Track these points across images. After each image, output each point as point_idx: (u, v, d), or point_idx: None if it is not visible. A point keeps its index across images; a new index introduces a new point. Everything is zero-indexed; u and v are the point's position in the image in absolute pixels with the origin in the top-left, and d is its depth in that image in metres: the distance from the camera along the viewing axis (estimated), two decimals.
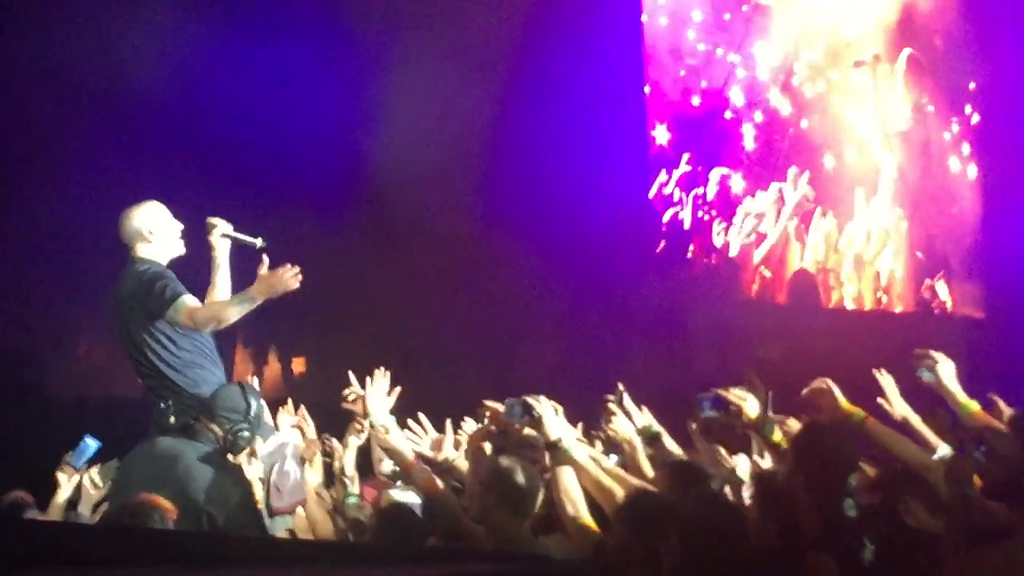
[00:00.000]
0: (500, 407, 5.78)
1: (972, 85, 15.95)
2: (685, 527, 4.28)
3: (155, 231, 6.35)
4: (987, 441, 4.98)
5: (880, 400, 5.77)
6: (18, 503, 6.71)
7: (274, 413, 6.78)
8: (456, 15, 12.55)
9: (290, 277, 6.05)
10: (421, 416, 6.25)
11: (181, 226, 6.50)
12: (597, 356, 12.15)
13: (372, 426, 6.02)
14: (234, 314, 6.09)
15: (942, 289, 15.39)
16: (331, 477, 6.92)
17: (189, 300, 6.12)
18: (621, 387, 6.16)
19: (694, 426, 6.53)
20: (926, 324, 14.70)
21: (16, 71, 11.04)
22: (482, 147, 12.35)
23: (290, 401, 7.12)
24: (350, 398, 6.27)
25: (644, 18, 13.71)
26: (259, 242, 6.48)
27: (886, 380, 5.89)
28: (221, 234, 6.53)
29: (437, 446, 6.02)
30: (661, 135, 13.59)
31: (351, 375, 6.31)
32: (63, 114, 11.44)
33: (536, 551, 4.89)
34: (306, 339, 13.05)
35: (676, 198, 13.63)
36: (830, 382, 5.25)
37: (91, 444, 6.54)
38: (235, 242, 6.58)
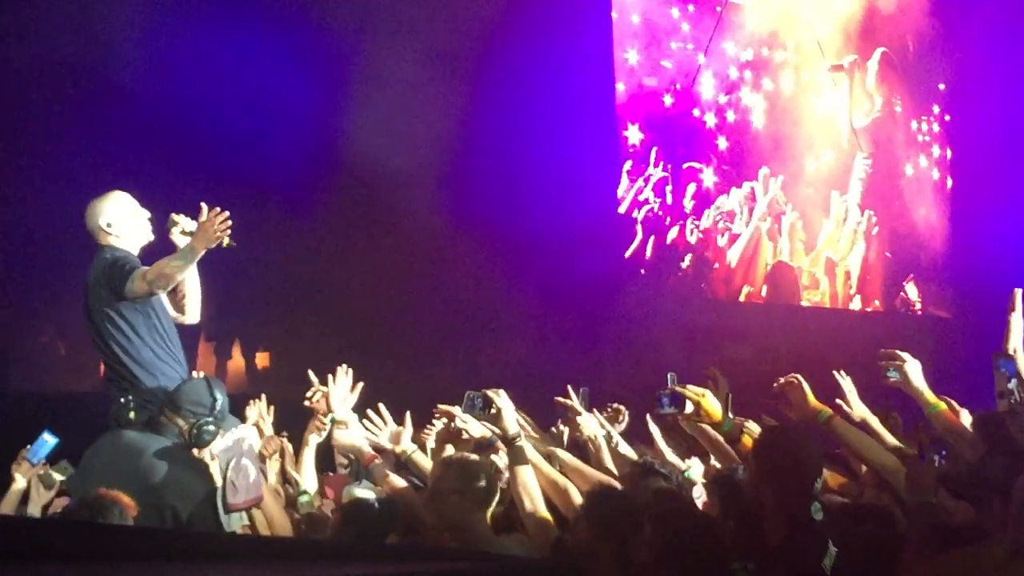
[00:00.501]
0: (455, 409, 5.78)
1: (942, 86, 16.04)
2: (657, 521, 4.26)
3: (114, 223, 6.32)
4: (949, 446, 4.98)
5: (839, 401, 5.79)
6: None
7: (241, 408, 6.73)
8: (428, 11, 12.51)
9: (220, 221, 6.01)
10: (381, 407, 6.19)
11: (147, 214, 6.43)
12: (565, 353, 12.12)
13: (333, 421, 5.97)
14: (178, 268, 6.10)
15: (912, 290, 15.47)
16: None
17: (137, 276, 6.10)
18: (570, 389, 6.15)
19: (651, 422, 6.58)
20: (895, 323, 14.76)
21: None
22: (452, 143, 12.30)
23: (263, 397, 7.05)
24: (314, 397, 6.22)
25: (614, 15, 13.68)
26: (226, 240, 6.40)
27: (845, 382, 5.93)
28: (181, 231, 6.44)
29: (396, 438, 5.97)
30: (633, 135, 13.56)
31: (311, 374, 6.26)
32: (26, 102, 11.32)
33: (496, 550, 4.86)
34: (270, 333, 12.97)
35: (646, 197, 13.61)
36: (800, 378, 5.19)
37: (49, 440, 6.42)
38: None
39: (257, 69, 11.70)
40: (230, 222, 6.08)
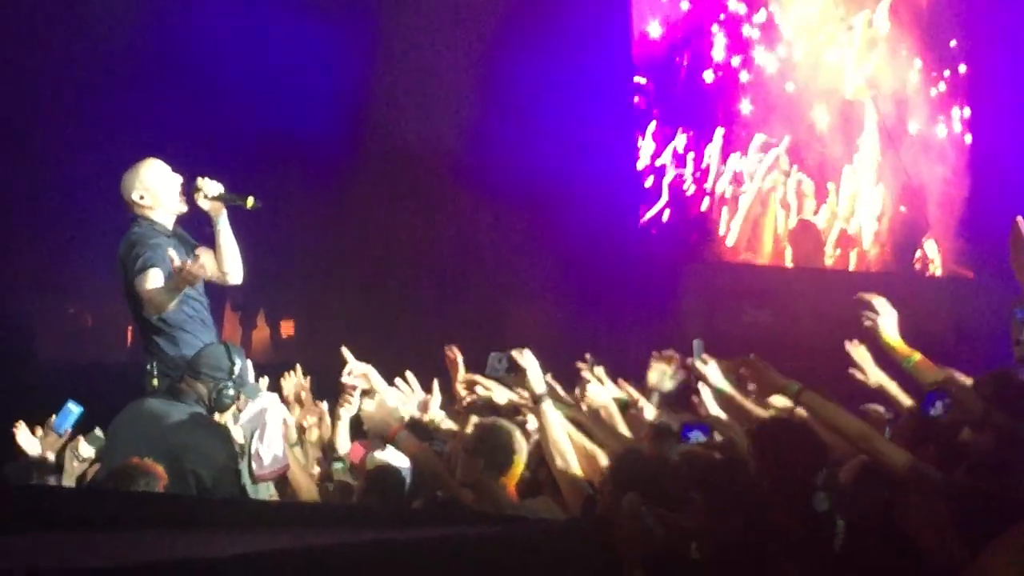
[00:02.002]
0: (478, 377, 5.80)
1: (953, 43, 15.88)
2: (705, 481, 4.28)
3: (147, 194, 6.36)
4: (951, 393, 4.90)
5: (852, 371, 5.77)
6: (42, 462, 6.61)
7: (273, 378, 6.75)
8: None
9: (197, 267, 5.98)
10: (408, 375, 6.23)
11: (179, 180, 6.44)
12: (586, 319, 12.14)
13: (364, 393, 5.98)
14: (167, 300, 6.07)
15: (931, 248, 15.40)
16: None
17: (151, 276, 6.11)
18: (589, 356, 6.12)
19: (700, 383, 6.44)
20: (916, 284, 14.68)
21: None
22: (468, 107, 12.32)
23: (299, 367, 7.06)
24: (354, 373, 6.18)
25: None
26: (251, 201, 6.42)
27: (858, 350, 5.88)
28: (206, 196, 6.47)
29: (424, 407, 6.01)
30: (647, 98, 13.48)
31: (345, 351, 6.25)
32: (56, 76, 11.38)
33: (523, 513, 4.90)
34: (295, 302, 13.03)
35: (663, 162, 13.57)
36: (756, 357, 4.98)
37: (74, 410, 6.45)
38: (225, 202, 6.51)
39: (287, 41, 11.74)
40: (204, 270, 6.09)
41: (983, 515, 3.91)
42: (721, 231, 14.00)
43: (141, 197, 6.33)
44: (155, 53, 11.43)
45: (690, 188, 13.79)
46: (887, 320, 5.58)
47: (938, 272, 15.26)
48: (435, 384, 6.19)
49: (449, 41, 12.33)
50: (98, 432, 6.28)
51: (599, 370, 6.14)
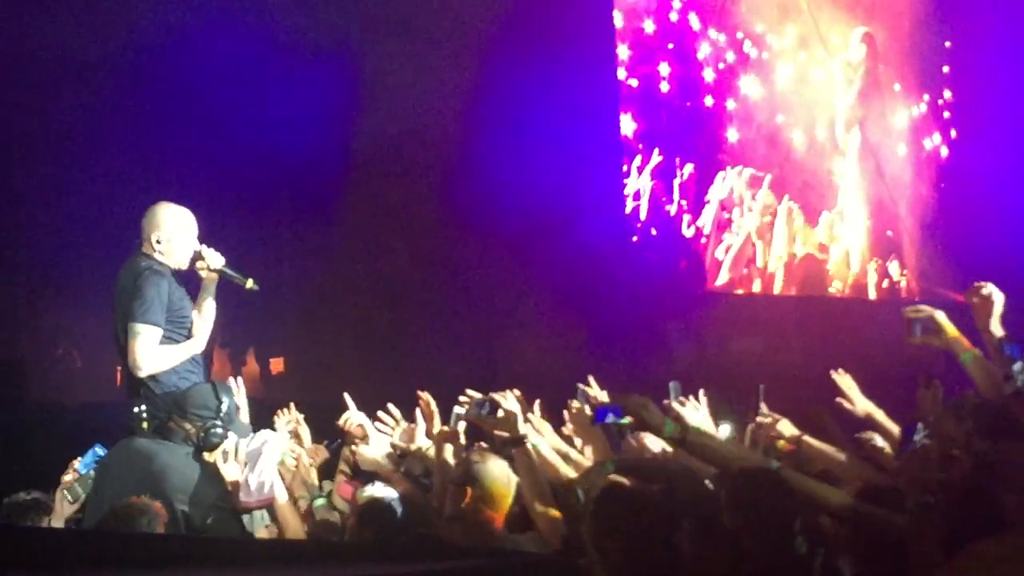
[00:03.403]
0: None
1: (946, 69, 15.99)
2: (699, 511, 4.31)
3: (164, 242, 6.34)
4: (931, 423, 4.90)
5: (839, 400, 5.78)
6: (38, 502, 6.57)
7: (266, 416, 6.78)
8: (428, 4, 12.57)
9: None
10: (390, 407, 6.27)
11: (197, 246, 6.44)
12: (576, 349, 12.16)
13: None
14: (153, 367, 6.13)
15: (894, 269, 15.42)
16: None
17: (143, 335, 6.10)
18: (581, 387, 6.13)
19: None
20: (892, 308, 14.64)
21: None
22: (455, 137, 12.36)
23: (293, 405, 7.08)
24: (351, 423, 6.24)
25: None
26: (250, 283, 6.44)
27: (844, 380, 5.91)
28: (210, 268, 6.48)
29: (409, 436, 6.05)
30: (628, 126, 13.49)
31: (348, 398, 6.30)
32: (49, 113, 11.41)
33: (511, 547, 4.91)
34: (285, 339, 13.03)
35: (648, 188, 13.59)
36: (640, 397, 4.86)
37: (100, 452, 6.41)
38: (223, 277, 6.53)
39: (265, 74, 11.77)
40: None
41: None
42: (711, 261, 14.01)
43: (158, 241, 6.32)
44: (141, 89, 11.47)
45: (682, 218, 13.81)
46: (942, 315, 5.51)
47: (916, 297, 15.24)
48: (418, 413, 6.21)
49: (437, 72, 12.37)
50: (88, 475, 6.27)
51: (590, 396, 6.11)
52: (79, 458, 6.36)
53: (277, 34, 11.86)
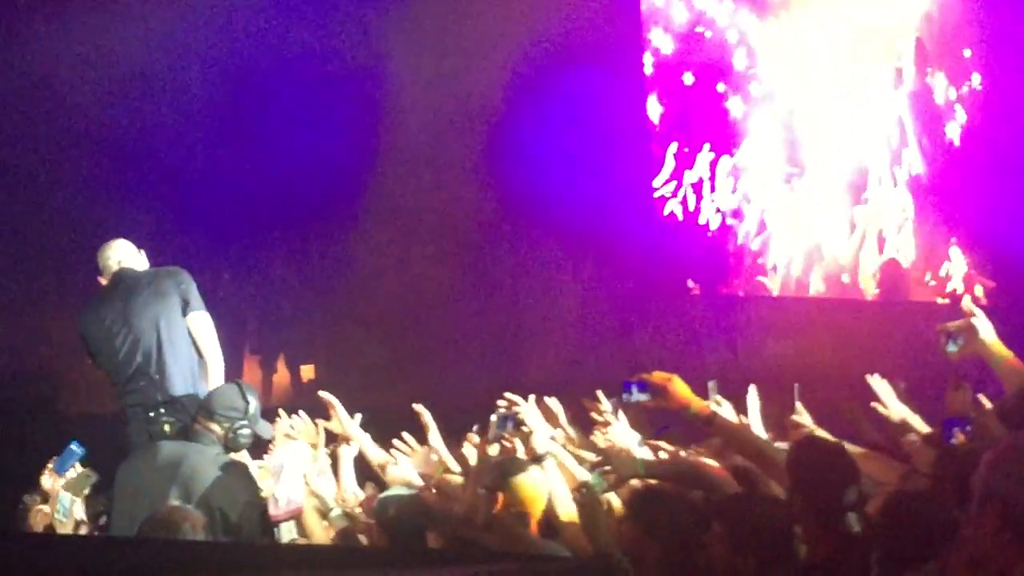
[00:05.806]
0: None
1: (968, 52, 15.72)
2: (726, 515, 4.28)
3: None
4: (972, 420, 4.85)
5: (874, 404, 5.71)
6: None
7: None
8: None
9: None
10: (405, 435, 6.28)
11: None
12: (607, 352, 12.11)
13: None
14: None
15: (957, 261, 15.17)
16: None
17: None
18: (600, 394, 6.03)
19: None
20: (933, 309, 14.48)
21: None
22: (484, 140, 12.32)
23: (301, 412, 7.05)
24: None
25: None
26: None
27: (878, 384, 5.83)
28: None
29: (425, 460, 6.06)
30: (655, 113, 13.32)
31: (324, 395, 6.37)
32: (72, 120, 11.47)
33: (545, 552, 4.88)
34: (315, 345, 13.03)
35: (683, 192, 13.47)
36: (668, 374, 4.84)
37: (76, 451, 6.38)
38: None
39: (288, 70, 11.81)
40: None
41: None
42: (750, 263, 13.85)
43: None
44: (167, 100, 11.52)
45: (714, 220, 13.67)
46: (981, 322, 5.35)
47: (959, 288, 14.98)
48: (429, 434, 6.20)
49: (462, 75, 12.34)
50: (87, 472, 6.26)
51: (607, 405, 6.03)
52: (55, 457, 6.35)
53: (308, 44, 11.89)
